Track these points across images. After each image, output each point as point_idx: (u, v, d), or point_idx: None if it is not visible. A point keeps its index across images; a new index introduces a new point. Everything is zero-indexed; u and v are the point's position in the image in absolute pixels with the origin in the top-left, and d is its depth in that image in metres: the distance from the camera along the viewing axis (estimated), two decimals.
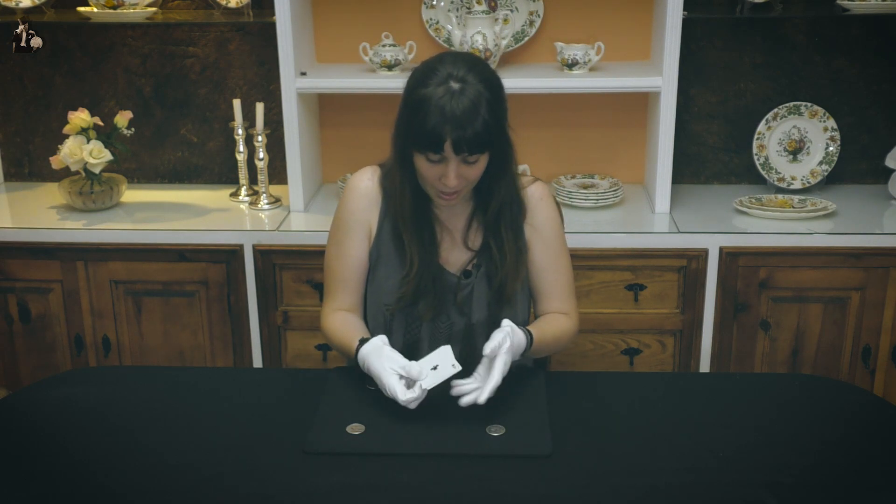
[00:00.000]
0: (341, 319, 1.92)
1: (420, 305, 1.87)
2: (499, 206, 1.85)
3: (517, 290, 1.89)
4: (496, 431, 1.63)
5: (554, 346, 1.92)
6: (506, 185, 1.85)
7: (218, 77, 3.08)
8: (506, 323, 1.75)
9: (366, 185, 1.92)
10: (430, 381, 1.65)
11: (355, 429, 1.64)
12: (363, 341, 1.76)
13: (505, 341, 1.69)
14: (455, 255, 1.90)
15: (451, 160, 1.72)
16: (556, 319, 1.94)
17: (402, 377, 1.66)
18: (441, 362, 1.67)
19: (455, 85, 1.70)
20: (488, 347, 1.68)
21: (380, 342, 1.73)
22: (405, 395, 1.64)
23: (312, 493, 1.48)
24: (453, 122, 1.68)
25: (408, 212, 1.84)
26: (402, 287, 1.86)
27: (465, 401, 1.66)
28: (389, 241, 1.89)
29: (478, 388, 1.66)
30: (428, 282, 1.86)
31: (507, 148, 1.82)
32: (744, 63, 3.00)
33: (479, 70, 1.74)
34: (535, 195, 1.93)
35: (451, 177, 1.73)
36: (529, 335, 1.79)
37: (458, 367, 1.66)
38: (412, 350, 1.91)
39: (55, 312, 2.77)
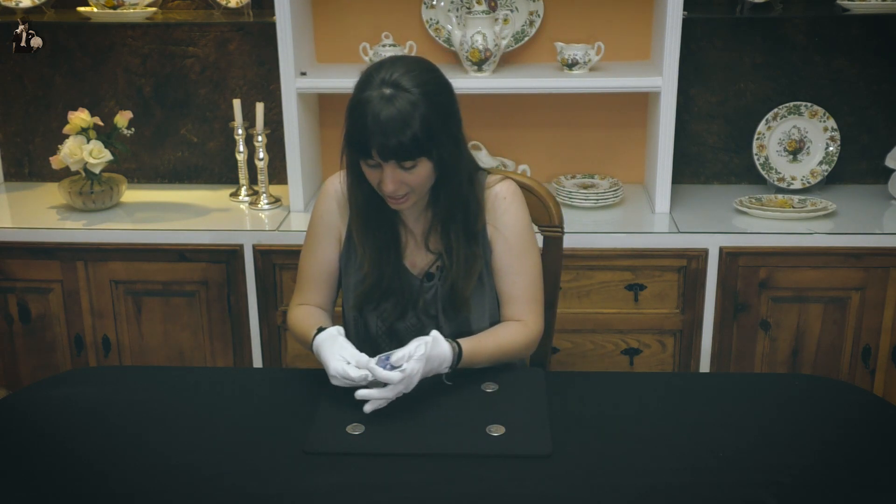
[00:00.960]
0: (304, 310, 1.94)
1: (382, 307, 1.88)
2: (446, 212, 1.82)
3: (470, 295, 1.86)
4: (496, 431, 1.63)
5: (498, 356, 1.84)
6: (453, 191, 1.80)
7: (218, 77, 3.08)
8: (433, 334, 1.71)
9: (336, 188, 1.92)
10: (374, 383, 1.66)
11: (355, 429, 1.64)
12: (320, 330, 1.77)
13: (417, 351, 1.66)
14: (420, 258, 1.90)
15: (386, 166, 1.71)
16: (505, 329, 1.88)
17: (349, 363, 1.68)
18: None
19: (386, 91, 1.67)
20: (394, 356, 1.65)
21: (335, 331, 1.75)
22: (357, 373, 1.65)
23: (312, 493, 1.48)
24: (377, 129, 1.66)
25: (358, 213, 1.85)
26: (359, 287, 1.87)
27: (367, 408, 1.65)
28: (354, 245, 1.89)
29: (382, 399, 1.65)
30: (393, 282, 1.86)
31: (450, 153, 1.76)
32: (744, 63, 3.00)
33: (415, 75, 1.70)
34: (500, 195, 1.87)
35: (386, 182, 1.72)
36: (458, 348, 1.75)
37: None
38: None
39: (55, 312, 2.77)
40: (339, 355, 1.69)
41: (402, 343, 1.88)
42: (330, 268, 1.94)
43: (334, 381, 1.69)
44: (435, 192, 1.82)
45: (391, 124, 1.66)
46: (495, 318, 1.93)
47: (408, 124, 1.66)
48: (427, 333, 1.79)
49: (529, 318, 1.90)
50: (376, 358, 1.68)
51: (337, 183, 1.93)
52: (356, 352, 1.70)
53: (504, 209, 1.87)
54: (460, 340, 1.78)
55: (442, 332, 1.83)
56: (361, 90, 1.70)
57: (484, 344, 1.82)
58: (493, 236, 1.88)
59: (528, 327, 1.89)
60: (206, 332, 2.77)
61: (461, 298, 1.85)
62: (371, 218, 1.85)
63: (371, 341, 1.93)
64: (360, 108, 1.69)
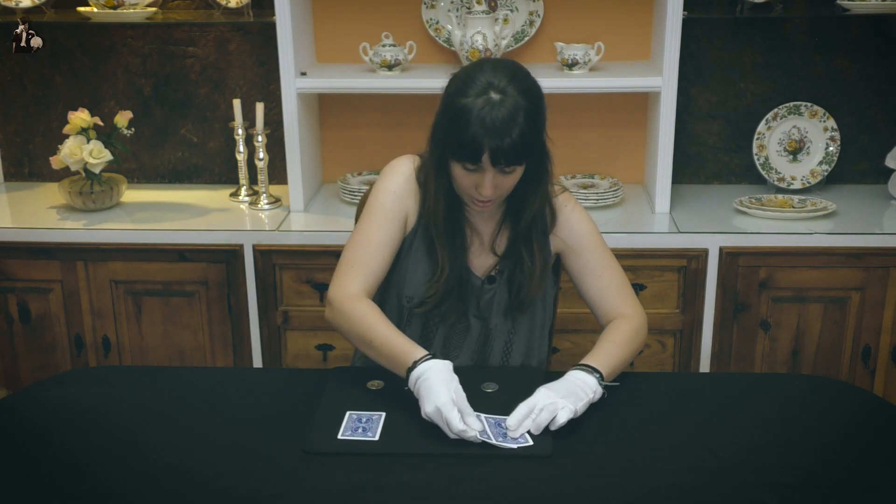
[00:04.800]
0: (379, 313, 1.78)
1: (444, 307, 1.88)
2: (532, 216, 1.85)
3: (537, 298, 1.90)
4: None
5: (630, 355, 1.84)
6: (541, 196, 1.85)
7: (218, 77, 3.08)
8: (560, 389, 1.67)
9: (411, 172, 1.89)
10: (489, 436, 1.60)
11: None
12: (428, 357, 1.68)
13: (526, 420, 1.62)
14: (482, 260, 1.91)
15: (488, 170, 1.72)
16: (617, 328, 1.87)
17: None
18: (509, 430, 1.62)
19: (495, 96, 1.68)
20: (509, 420, 1.62)
21: (449, 367, 1.65)
22: (459, 426, 1.57)
23: (312, 493, 1.48)
24: (492, 134, 1.67)
25: (440, 219, 1.84)
26: (430, 290, 1.85)
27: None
28: (423, 237, 1.88)
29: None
30: (454, 284, 1.86)
31: (543, 158, 1.82)
32: (744, 63, 3.00)
33: (519, 80, 1.72)
34: (563, 204, 1.92)
35: (486, 186, 1.74)
36: (599, 375, 1.73)
37: (529, 443, 1.60)
38: (425, 347, 1.92)
39: (55, 312, 2.77)
40: (452, 399, 1.59)
41: (445, 339, 1.92)
42: (392, 246, 1.87)
43: (428, 417, 1.61)
44: (514, 194, 1.83)
45: (505, 128, 1.67)
46: (545, 322, 1.97)
47: (517, 124, 1.68)
48: (474, 335, 1.87)
49: (628, 308, 1.91)
50: (485, 419, 1.62)
51: (410, 166, 1.89)
52: (466, 404, 1.60)
53: (568, 215, 1.92)
54: (589, 361, 1.75)
55: (492, 335, 1.87)
56: (464, 95, 1.70)
57: (613, 356, 1.79)
58: (561, 246, 1.92)
59: (632, 318, 1.90)
60: (206, 332, 2.77)
61: (528, 301, 1.88)
62: (449, 221, 1.86)
63: (411, 332, 1.92)
64: (467, 114, 1.68)
